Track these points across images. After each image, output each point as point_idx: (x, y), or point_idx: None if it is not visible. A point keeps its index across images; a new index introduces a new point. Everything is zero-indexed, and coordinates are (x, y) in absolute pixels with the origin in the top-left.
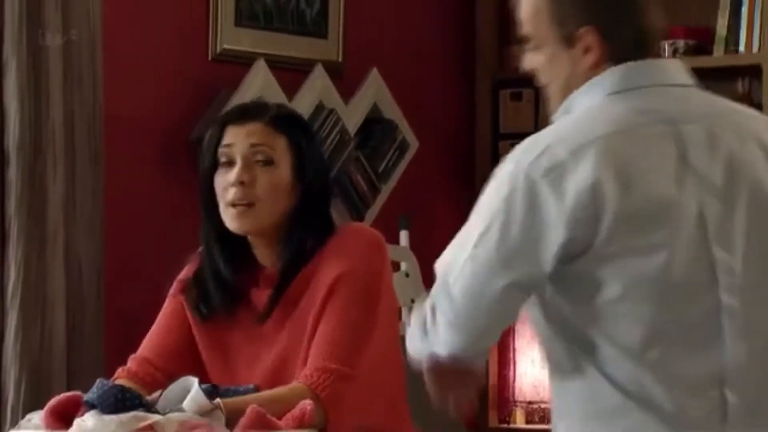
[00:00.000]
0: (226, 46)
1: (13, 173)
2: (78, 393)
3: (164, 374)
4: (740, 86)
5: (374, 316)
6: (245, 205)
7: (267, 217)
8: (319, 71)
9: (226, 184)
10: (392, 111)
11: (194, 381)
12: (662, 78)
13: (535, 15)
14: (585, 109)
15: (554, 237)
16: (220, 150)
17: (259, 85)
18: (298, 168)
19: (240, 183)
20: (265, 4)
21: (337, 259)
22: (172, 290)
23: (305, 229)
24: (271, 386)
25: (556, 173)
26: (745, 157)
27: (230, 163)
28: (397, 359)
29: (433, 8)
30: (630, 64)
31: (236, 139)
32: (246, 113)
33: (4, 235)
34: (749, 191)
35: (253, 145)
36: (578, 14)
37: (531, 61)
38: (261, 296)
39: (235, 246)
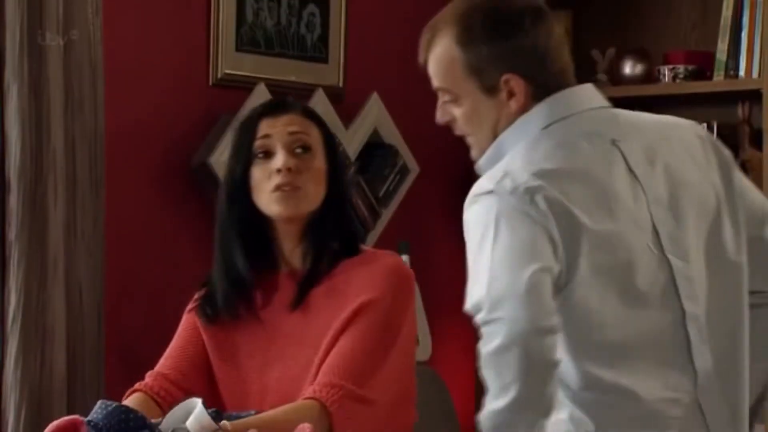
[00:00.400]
0: (227, 70)
1: (14, 199)
2: (78, 416)
3: (181, 389)
4: (740, 111)
5: (392, 346)
6: (293, 189)
7: (310, 203)
8: (319, 96)
9: (269, 172)
10: (393, 136)
11: (198, 402)
12: (586, 103)
13: (450, 70)
14: (526, 144)
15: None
16: (257, 143)
17: None
18: (329, 158)
19: (287, 169)
20: (265, 29)
21: (368, 285)
22: (188, 307)
23: (332, 226)
24: (281, 395)
25: (522, 190)
26: (681, 169)
27: (267, 154)
28: (410, 391)
29: None
30: (554, 96)
31: (273, 130)
32: (279, 105)
33: (4, 261)
34: (692, 203)
35: (291, 133)
36: (497, 64)
37: (447, 113)
38: (280, 294)
39: (256, 244)
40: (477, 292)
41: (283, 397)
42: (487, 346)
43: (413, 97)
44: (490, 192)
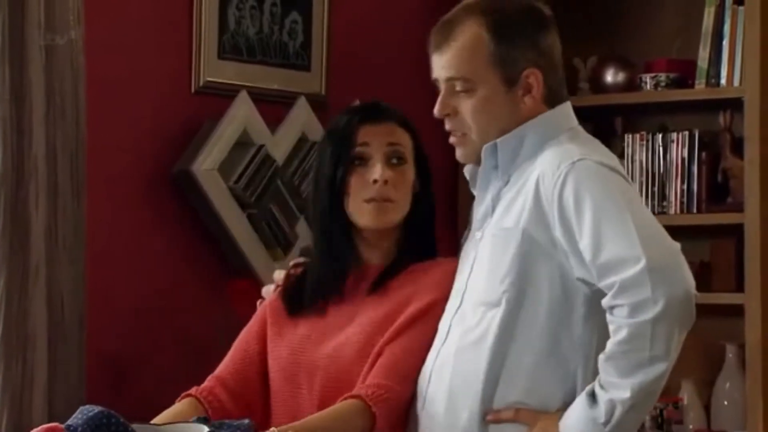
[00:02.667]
0: (209, 78)
1: None
2: (57, 424)
3: (233, 396)
4: (722, 119)
5: None
6: (386, 201)
7: (400, 214)
8: (302, 103)
9: (365, 182)
10: None
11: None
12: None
13: (475, 57)
14: (570, 136)
15: None
16: (357, 150)
17: (242, 117)
18: (417, 167)
19: (384, 181)
20: (248, 36)
21: (433, 286)
22: (265, 299)
23: (416, 232)
24: (330, 374)
25: (625, 175)
26: None
27: (364, 161)
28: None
29: (417, 42)
30: (567, 103)
31: (373, 138)
32: (380, 112)
33: None
34: None
35: (390, 144)
36: (524, 58)
37: (449, 106)
38: (360, 283)
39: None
40: (626, 247)
41: (332, 376)
42: (655, 305)
43: (396, 105)
44: (608, 167)
